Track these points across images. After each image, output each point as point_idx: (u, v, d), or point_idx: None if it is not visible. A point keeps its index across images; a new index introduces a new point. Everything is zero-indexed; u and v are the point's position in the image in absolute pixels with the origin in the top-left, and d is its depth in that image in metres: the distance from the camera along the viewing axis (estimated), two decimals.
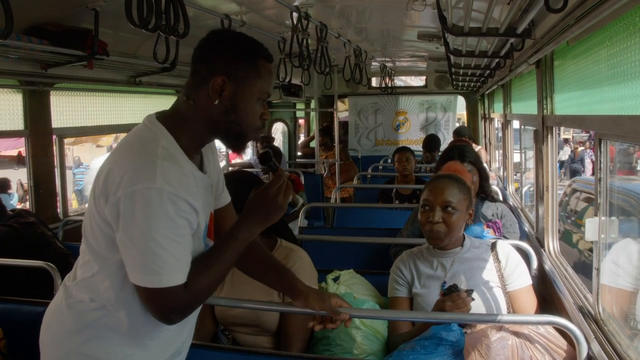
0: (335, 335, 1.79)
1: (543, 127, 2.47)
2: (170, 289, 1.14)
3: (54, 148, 3.42)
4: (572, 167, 13.67)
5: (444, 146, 5.33)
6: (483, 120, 7.21)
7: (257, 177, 2.02)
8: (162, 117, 1.26)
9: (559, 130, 3.06)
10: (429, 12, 2.95)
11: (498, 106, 5.40)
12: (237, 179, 1.79)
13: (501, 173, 5.49)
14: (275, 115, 7.83)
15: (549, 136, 2.46)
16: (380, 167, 6.07)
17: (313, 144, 6.68)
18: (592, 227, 1.74)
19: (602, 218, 1.73)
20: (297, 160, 7.53)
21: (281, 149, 7.06)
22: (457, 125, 7.39)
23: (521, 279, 1.84)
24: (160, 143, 1.19)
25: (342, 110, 8.61)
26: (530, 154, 3.81)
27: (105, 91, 3.92)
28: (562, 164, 13.04)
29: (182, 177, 1.17)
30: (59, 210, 3.47)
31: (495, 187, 3.23)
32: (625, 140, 1.52)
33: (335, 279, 2.05)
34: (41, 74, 3.10)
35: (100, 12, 2.59)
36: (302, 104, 8.17)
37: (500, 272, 1.84)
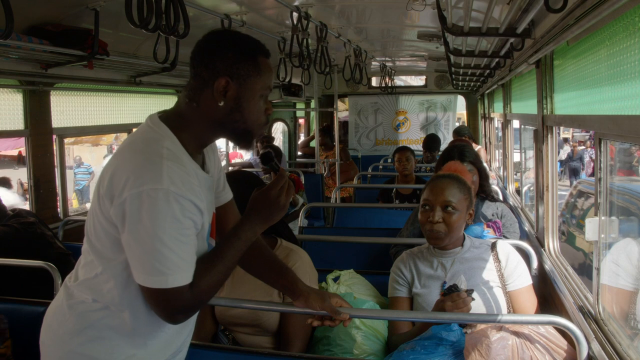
0: (335, 335, 1.79)
1: (543, 126, 2.47)
2: (176, 289, 1.15)
3: (54, 148, 3.42)
4: (571, 166, 13.64)
5: (444, 146, 5.32)
6: (483, 120, 7.21)
7: (257, 177, 2.02)
8: (165, 117, 1.26)
9: (559, 130, 3.06)
10: (429, 11, 2.95)
11: (498, 106, 5.40)
12: (237, 179, 1.79)
13: (501, 173, 5.49)
14: (275, 115, 7.83)
15: (549, 136, 2.46)
16: (380, 167, 6.06)
17: (313, 143, 6.68)
18: (592, 227, 1.74)
19: (602, 218, 1.73)
20: (297, 160, 7.54)
21: (281, 148, 7.05)
22: (457, 124, 7.39)
23: (521, 278, 1.84)
24: (164, 144, 1.19)
25: (342, 110, 8.61)
26: (530, 153, 3.81)
27: (105, 91, 3.92)
28: (560, 162, 13.02)
29: (187, 178, 1.17)
30: (59, 210, 3.47)
31: (495, 187, 3.23)
32: (625, 140, 1.52)
33: (336, 279, 2.05)
34: (41, 73, 3.11)
35: (100, 12, 2.60)
36: (302, 104, 8.16)
37: (501, 272, 1.84)
